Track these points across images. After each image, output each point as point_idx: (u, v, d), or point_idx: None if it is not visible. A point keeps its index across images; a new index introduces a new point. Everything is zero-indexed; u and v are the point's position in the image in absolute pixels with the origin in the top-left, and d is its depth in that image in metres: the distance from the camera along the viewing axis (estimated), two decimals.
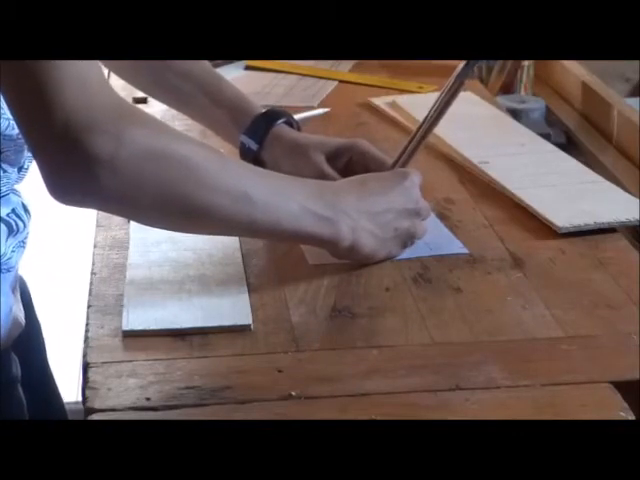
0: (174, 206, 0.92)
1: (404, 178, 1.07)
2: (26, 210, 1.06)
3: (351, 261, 1.04)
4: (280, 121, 1.17)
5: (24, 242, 1.06)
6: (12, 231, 1.03)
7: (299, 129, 1.19)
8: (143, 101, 1.53)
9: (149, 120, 0.93)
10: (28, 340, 1.16)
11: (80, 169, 0.87)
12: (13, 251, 1.03)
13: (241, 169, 0.99)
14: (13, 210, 1.04)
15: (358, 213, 1.02)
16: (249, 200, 0.95)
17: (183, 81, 1.19)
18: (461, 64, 1.11)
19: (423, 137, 1.14)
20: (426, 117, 1.14)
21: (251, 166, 1.06)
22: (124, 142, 0.87)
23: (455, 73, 1.11)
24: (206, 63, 1.21)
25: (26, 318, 1.10)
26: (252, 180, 0.96)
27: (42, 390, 1.23)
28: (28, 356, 1.16)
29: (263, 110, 1.18)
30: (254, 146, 1.16)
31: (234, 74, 1.62)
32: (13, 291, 1.06)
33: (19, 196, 1.07)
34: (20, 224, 1.04)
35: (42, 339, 1.25)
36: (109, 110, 0.87)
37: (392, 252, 1.06)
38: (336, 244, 1.01)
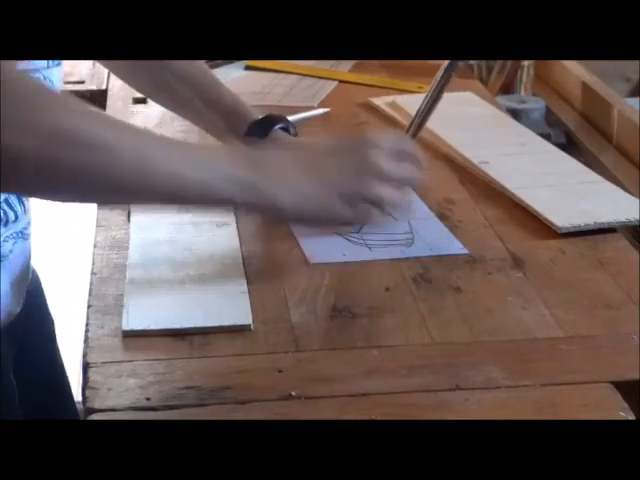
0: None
1: (362, 139, 1.02)
2: (21, 201, 1.06)
3: (292, 223, 1.05)
4: (276, 127, 1.16)
5: (23, 233, 1.06)
6: (0, 220, 1.03)
7: (296, 134, 1.18)
8: (143, 101, 1.53)
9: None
10: (39, 334, 1.16)
11: None
12: (6, 241, 1.03)
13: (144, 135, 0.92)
14: (5, 200, 1.03)
15: (284, 169, 0.96)
16: (148, 159, 0.88)
17: (180, 83, 1.18)
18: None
19: (414, 134, 1.14)
20: (415, 116, 1.15)
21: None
22: None
23: (442, 67, 1.12)
24: (204, 66, 1.21)
25: (37, 313, 1.09)
26: (152, 140, 0.91)
27: (49, 386, 1.22)
28: (37, 351, 1.16)
29: (260, 116, 1.17)
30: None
31: (234, 74, 1.62)
32: (11, 282, 1.06)
33: None
34: (11, 214, 1.04)
35: (54, 336, 1.25)
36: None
37: (338, 213, 0.97)
38: (252, 206, 0.96)
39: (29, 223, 1.08)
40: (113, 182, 0.86)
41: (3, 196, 1.03)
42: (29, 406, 1.12)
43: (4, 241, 1.03)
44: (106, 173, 0.85)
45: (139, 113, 1.48)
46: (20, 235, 1.06)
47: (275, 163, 0.96)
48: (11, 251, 1.05)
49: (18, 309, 1.08)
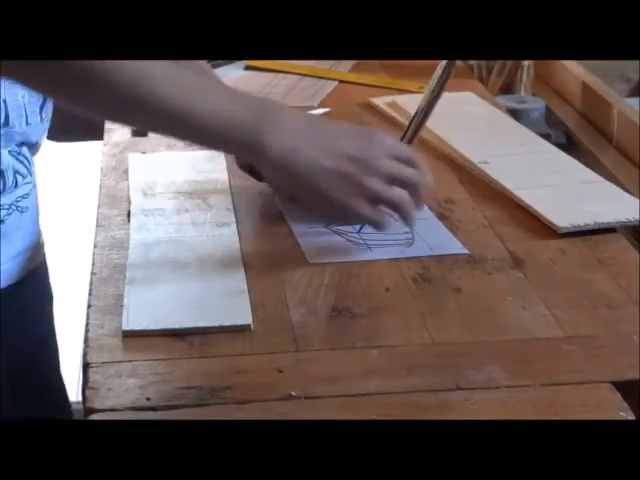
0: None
1: (371, 133, 1.04)
2: (13, 173, 1.06)
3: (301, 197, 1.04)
4: None
5: (17, 206, 1.07)
6: None
7: None
8: None
9: None
10: (32, 310, 1.16)
11: None
12: None
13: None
14: None
15: (301, 136, 0.98)
16: (152, 77, 0.92)
17: None
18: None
19: (412, 137, 1.14)
20: (414, 115, 1.14)
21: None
22: None
23: (440, 67, 1.12)
24: (207, 66, 1.21)
25: (35, 289, 1.10)
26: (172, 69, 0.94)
27: (36, 356, 1.22)
28: (28, 322, 1.16)
29: None
30: None
31: (234, 74, 1.62)
32: (7, 255, 1.07)
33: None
34: None
35: (51, 313, 1.25)
36: None
37: (344, 199, 1.01)
38: (262, 155, 0.98)
39: (25, 197, 1.08)
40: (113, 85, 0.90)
41: None
42: (13, 375, 1.12)
43: None
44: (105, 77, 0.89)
45: None
46: (15, 208, 1.06)
47: (289, 122, 0.98)
48: (2, 221, 1.05)
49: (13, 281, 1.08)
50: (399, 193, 1.03)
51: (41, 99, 1.10)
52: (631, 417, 0.83)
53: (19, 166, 1.09)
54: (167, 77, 0.92)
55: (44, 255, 1.21)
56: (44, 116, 1.11)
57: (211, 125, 0.95)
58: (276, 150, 0.97)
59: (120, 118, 0.99)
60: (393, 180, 1.02)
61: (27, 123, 1.09)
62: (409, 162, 1.04)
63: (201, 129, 0.95)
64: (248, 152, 0.99)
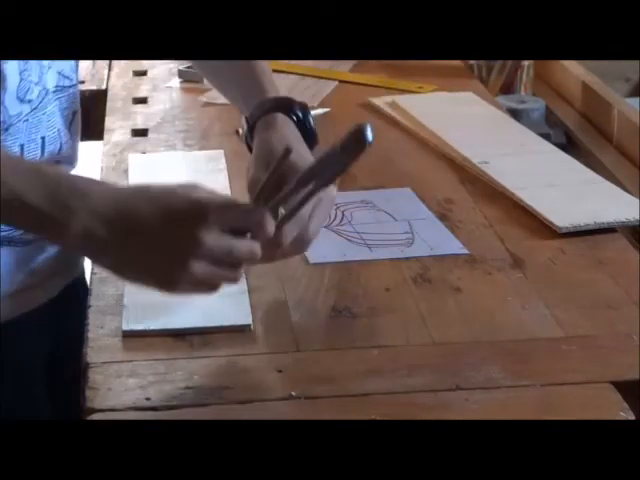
0: None
1: (197, 210, 0.87)
2: None
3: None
4: (273, 111, 1.08)
5: (9, 238, 1.06)
6: None
7: (306, 122, 1.11)
8: (143, 101, 1.53)
9: None
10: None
11: None
12: None
13: None
14: None
15: (97, 219, 0.86)
16: None
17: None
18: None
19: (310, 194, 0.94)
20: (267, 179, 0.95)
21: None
22: None
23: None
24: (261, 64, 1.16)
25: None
26: None
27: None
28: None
29: (270, 96, 1.11)
30: (246, 131, 1.11)
31: None
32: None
33: None
34: None
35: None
36: None
37: (143, 281, 0.88)
38: (63, 244, 0.93)
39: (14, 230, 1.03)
40: None
41: None
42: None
43: None
44: None
45: (139, 113, 1.48)
46: (6, 242, 1.03)
47: (88, 204, 0.86)
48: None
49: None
50: (221, 274, 0.89)
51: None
52: (631, 417, 0.83)
53: None
54: None
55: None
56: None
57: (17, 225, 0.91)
58: (74, 239, 0.87)
59: None
60: (221, 260, 0.88)
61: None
62: (247, 227, 0.90)
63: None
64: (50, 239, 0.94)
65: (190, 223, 0.86)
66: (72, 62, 1.07)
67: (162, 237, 0.87)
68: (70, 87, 1.07)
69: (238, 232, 0.88)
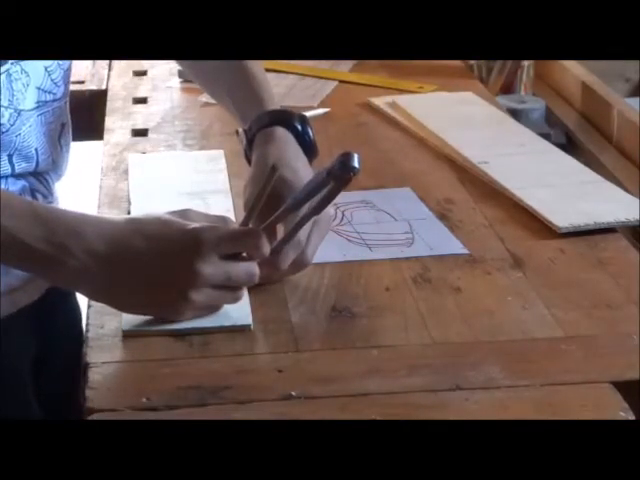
0: None
1: (192, 241, 0.90)
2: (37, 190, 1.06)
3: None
4: (271, 125, 1.08)
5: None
6: None
7: (305, 135, 1.10)
8: (143, 101, 1.53)
9: None
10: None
11: None
12: None
13: None
14: None
15: (93, 258, 0.89)
16: None
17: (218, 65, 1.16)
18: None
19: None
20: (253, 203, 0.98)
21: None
22: None
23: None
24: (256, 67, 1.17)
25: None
26: None
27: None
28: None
29: (268, 109, 1.11)
30: (245, 145, 1.11)
31: None
32: None
33: None
34: None
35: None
36: None
37: (136, 310, 0.93)
38: (62, 283, 0.96)
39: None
40: None
41: None
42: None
43: None
44: None
45: (139, 113, 1.48)
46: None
47: (82, 243, 0.89)
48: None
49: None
50: (222, 298, 0.94)
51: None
52: (631, 417, 0.83)
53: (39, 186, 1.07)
54: None
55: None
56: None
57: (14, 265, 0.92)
58: (73, 277, 0.90)
59: None
60: (220, 286, 0.93)
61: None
62: (243, 250, 0.94)
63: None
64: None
65: (186, 255, 0.90)
66: (56, 76, 1.04)
67: (160, 272, 0.90)
68: (54, 101, 1.05)
69: (235, 254, 0.93)
